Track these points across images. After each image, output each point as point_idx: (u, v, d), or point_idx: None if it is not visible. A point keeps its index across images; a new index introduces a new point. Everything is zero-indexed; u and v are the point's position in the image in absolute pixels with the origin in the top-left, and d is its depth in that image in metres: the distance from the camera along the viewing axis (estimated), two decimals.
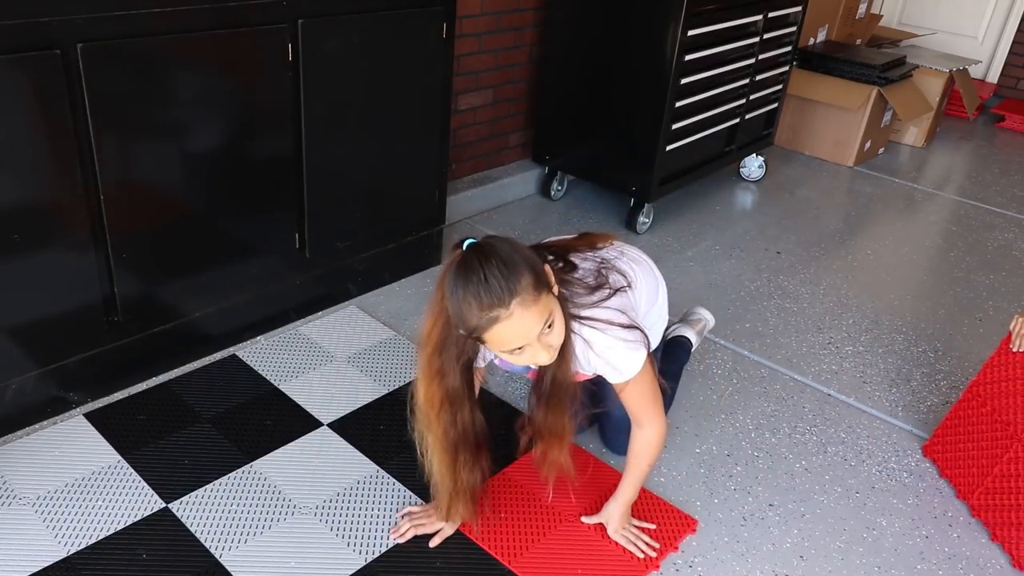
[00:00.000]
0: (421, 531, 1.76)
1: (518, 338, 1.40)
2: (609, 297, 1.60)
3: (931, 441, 2.18)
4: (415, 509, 1.81)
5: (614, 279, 1.65)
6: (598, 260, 1.69)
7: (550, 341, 1.45)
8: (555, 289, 1.47)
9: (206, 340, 2.25)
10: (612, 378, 1.63)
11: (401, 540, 1.75)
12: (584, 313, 1.56)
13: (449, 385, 1.51)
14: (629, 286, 1.68)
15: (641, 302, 1.79)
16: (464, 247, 1.39)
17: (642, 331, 1.61)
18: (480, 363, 1.71)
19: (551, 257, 1.59)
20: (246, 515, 1.78)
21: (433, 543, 1.75)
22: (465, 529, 1.79)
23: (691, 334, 2.33)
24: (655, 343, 1.94)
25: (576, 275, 1.60)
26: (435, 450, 1.60)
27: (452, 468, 1.61)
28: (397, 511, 1.83)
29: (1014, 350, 1.94)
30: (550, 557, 1.76)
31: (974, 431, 2.05)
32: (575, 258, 1.65)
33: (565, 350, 1.52)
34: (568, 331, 1.50)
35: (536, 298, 1.38)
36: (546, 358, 1.46)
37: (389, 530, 1.78)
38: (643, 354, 1.60)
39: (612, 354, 1.58)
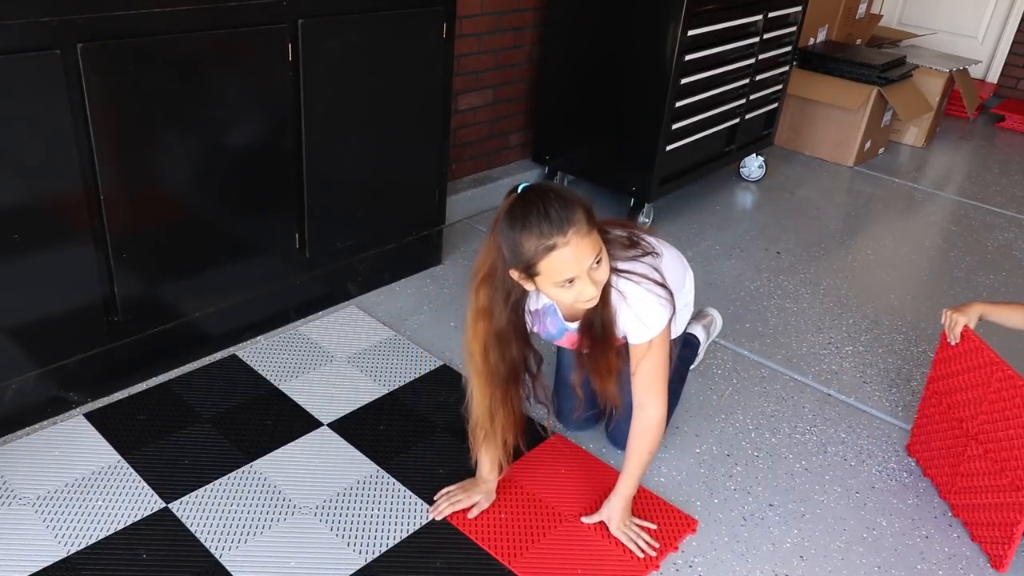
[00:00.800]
0: (458, 507, 1.82)
1: (571, 267, 1.49)
2: (642, 256, 1.69)
3: (911, 440, 2.19)
4: (451, 488, 1.86)
5: (645, 244, 1.73)
6: (629, 229, 1.77)
7: (597, 276, 1.54)
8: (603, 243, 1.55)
9: (206, 340, 2.25)
10: (637, 336, 1.67)
11: (439, 518, 1.81)
12: (621, 266, 1.64)
13: (497, 324, 1.60)
14: (658, 255, 1.75)
15: (668, 276, 1.81)
16: (519, 190, 1.51)
17: (670, 291, 1.68)
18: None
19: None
20: (246, 515, 1.78)
21: (471, 514, 1.81)
22: (465, 529, 1.80)
23: (699, 331, 2.33)
24: (678, 331, 2.01)
25: (611, 235, 1.67)
26: (479, 386, 1.68)
27: (503, 403, 1.69)
28: (402, 509, 1.83)
29: (951, 343, 1.97)
30: (550, 557, 1.76)
31: (939, 429, 2.06)
32: (607, 226, 1.71)
33: (606, 294, 1.61)
34: (608, 267, 1.59)
35: (590, 230, 1.49)
36: (592, 291, 1.54)
37: (427, 511, 1.83)
38: (669, 312, 1.67)
39: (642, 306, 1.64)
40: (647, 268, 1.67)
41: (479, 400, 1.69)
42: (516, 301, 1.62)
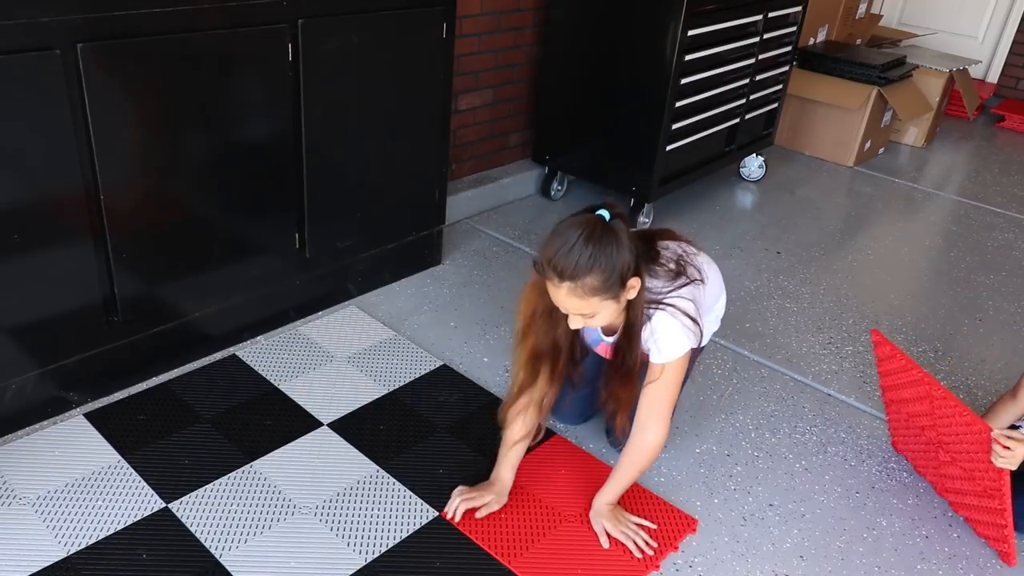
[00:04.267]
0: (471, 504, 1.82)
1: (556, 301, 1.60)
2: (685, 285, 1.72)
3: (893, 439, 2.19)
4: (465, 488, 1.86)
5: (691, 271, 1.76)
6: (680, 251, 1.80)
7: (584, 322, 1.62)
8: (624, 296, 1.60)
9: (206, 340, 2.25)
10: (654, 357, 1.72)
11: (457, 518, 1.81)
12: (663, 299, 1.69)
13: (546, 301, 1.65)
14: (702, 281, 1.78)
15: (707, 301, 1.87)
16: (595, 211, 1.56)
17: (701, 328, 1.73)
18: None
19: (644, 246, 1.69)
20: (246, 515, 1.78)
21: (479, 514, 1.82)
22: (465, 530, 1.80)
23: None
24: (704, 340, 2.02)
25: (660, 262, 1.73)
26: (521, 350, 1.75)
27: (533, 372, 1.75)
28: (402, 509, 1.83)
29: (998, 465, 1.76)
30: (550, 557, 1.76)
31: (909, 433, 2.06)
32: (660, 244, 1.78)
33: (632, 334, 1.69)
34: (640, 314, 1.66)
35: (587, 295, 1.54)
36: (576, 325, 1.64)
37: (441, 512, 1.83)
38: (691, 344, 1.70)
39: (667, 333, 1.68)
40: (685, 303, 1.69)
41: (518, 360, 1.76)
42: None
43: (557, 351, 1.75)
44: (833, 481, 2.07)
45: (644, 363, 1.75)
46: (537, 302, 1.69)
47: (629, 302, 1.64)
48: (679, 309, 1.68)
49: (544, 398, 1.80)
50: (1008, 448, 1.70)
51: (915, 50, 4.79)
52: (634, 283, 1.59)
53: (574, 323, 1.63)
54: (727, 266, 3.08)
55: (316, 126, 2.21)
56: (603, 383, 1.82)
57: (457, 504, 1.82)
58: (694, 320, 1.69)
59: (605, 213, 1.55)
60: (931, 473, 2.03)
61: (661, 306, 1.68)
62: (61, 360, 1.97)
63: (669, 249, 1.78)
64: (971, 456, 1.80)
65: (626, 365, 1.73)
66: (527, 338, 1.74)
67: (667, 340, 1.68)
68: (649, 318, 1.68)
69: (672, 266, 1.73)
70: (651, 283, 1.67)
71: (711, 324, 1.99)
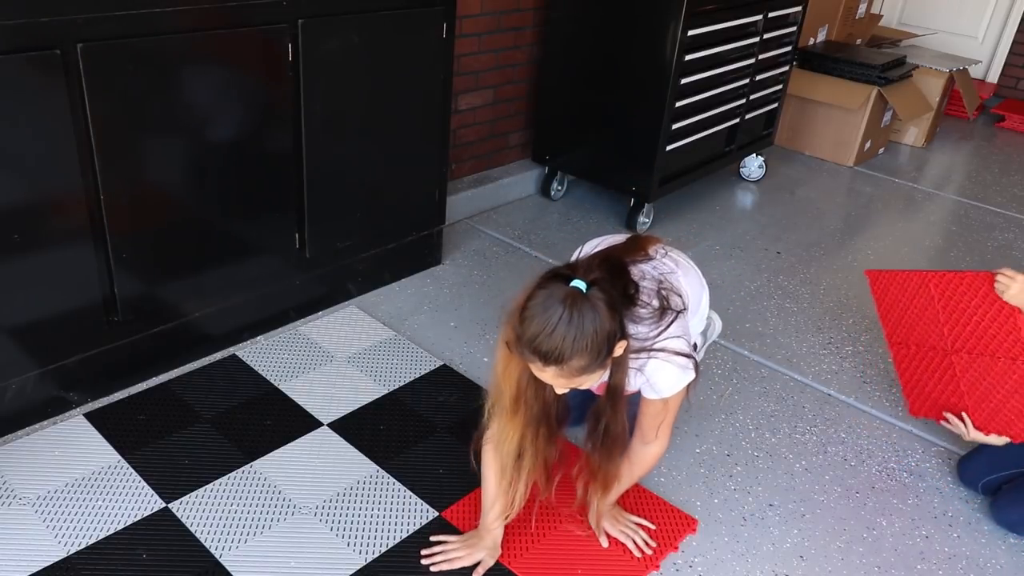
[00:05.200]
0: (456, 564, 1.69)
1: (541, 377, 1.46)
2: (671, 323, 1.59)
3: (911, 404, 2.17)
4: (450, 539, 1.75)
5: (674, 301, 1.63)
6: (658, 278, 1.65)
7: (568, 387, 1.49)
8: (609, 362, 1.46)
9: (206, 340, 2.25)
10: (648, 394, 1.63)
11: (433, 569, 1.70)
12: (650, 344, 1.56)
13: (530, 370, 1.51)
14: (685, 308, 1.66)
15: (692, 319, 1.79)
16: (568, 280, 1.40)
17: (695, 359, 1.62)
18: None
19: (620, 289, 1.53)
20: (246, 515, 1.78)
21: (476, 574, 1.69)
22: (465, 529, 1.79)
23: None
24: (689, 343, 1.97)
25: (642, 301, 1.57)
26: (510, 423, 1.58)
27: (533, 442, 1.59)
28: (402, 509, 1.83)
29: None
30: (550, 557, 1.76)
31: (923, 371, 2.06)
32: (636, 271, 1.62)
33: (616, 398, 1.55)
34: (625, 373, 1.52)
35: (575, 375, 1.41)
36: (561, 391, 1.52)
37: (420, 554, 1.73)
38: (688, 379, 1.61)
39: (663, 377, 1.59)
40: (676, 343, 1.58)
41: (509, 438, 1.59)
42: None
43: (548, 411, 1.60)
44: (833, 481, 2.07)
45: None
46: (520, 372, 1.52)
47: (614, 359, 1.48)
48: (671, 351, 1.56)
49: (548, 459, 1.65)
50: (1010, 277, 1.72)
51: (915, 50, 4.79)
52: (620, 346, 1.46)
53: (561, 390, 1.51)
54: (727, 266, 3.08)
55: (316, 126, 2.21)
56: (584, 455, 1.68)
57: (439, 561, 1.70)
58: (687, 355, 1.60)
59: (581, 284, 1.39)
60: (957, 404, 1.98)
61: (652, 353, 1.56)
62: (61, 360, 1.97)
63: (647, 279, 1.63)
64: (986, 320, 1.78)
65: (610, 434, 1.59)
66: (517, 413, 1.57)
67: (664, 383, 1.60)
68: (641, 369, 1.57)
69: (656, 303, 1.59)
70: (636, 330, 1.53)
71: (698, 324, 1.92)
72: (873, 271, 2.03)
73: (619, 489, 1.78)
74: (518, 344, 1.41)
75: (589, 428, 1.62)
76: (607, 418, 1.58)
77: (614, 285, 1.47)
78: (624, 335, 1.46)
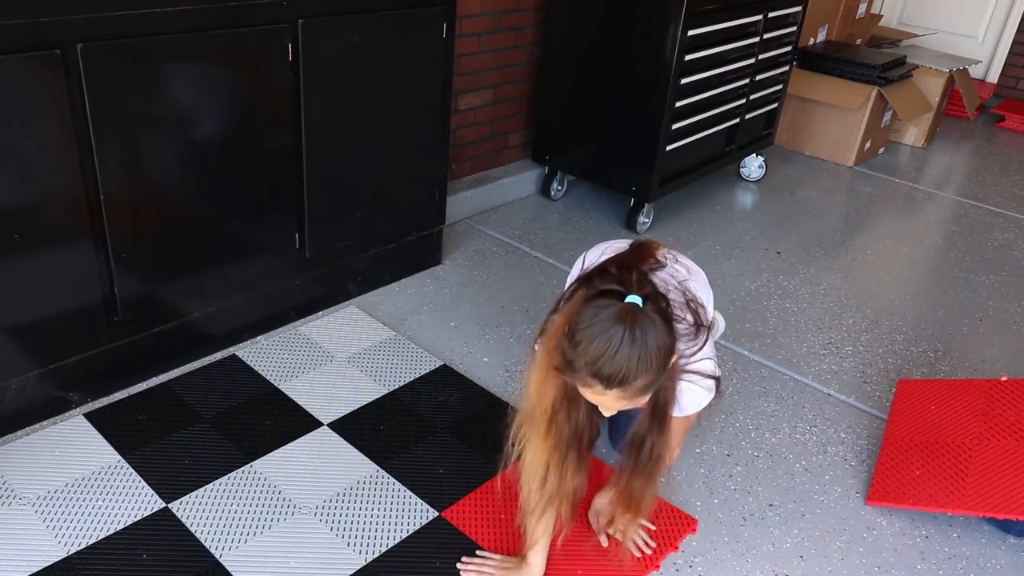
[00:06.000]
0: None
1: (594, 401, 1.40)
2: (706, 343, 1.56)
3: (872, 491, 2.02)
4: (492, 557, 1.71)
5: (702, 314, 1.58)
6: (681, 288, 1.59)
7: (618, 409, 1.43)
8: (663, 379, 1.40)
9: (206, 340, 2.25)
10: (672, 412, 1.55)
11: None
12: (684, 365, 1.52)
13: (569, 388, 1.44)
14: (713, 322, 1.65)
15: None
16: (626, 299, 1.32)
17: (719, 379, 1.65)
18: None
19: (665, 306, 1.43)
20: (246, 515, 1.78)
21: None
22: (465, 529, 1.79)
23: None
24: None
25: (676, 316, 1.47)
26: (539, 447, 1.49)
27: (559, 467, 1.50)
28: (402, 509, 1.83)
29: None
30: (550, 557, 1.75)
31: (924, 456, 2.02)
32: (659, 282, 1.52)
33: (664, 418, 1.48)
34: (674, 389, 1.46)
35: (637, 395, 1.35)
36: (609, 414, 1.45)
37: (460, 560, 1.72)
38: (710, 399, 1.65)
39: (688, 395, 1.61)
40: (708, 365, 1.58)
41: (535, 462, 1.50)
42: None
43: (580, 434, 1.50)
44: (833, 481, 2.07)
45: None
46: (555, 391, 1.44)
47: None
48: (701, 374, 1.55)
49: (576, 491, 1.55)
50: None
51: (915, 50, 4.79)
52: (674, 359, 1.39)
53: (609, 413, 1.43)
54: (727, 266, 3.08)
55: (316, 126, 2.21)
56: (616, 478, 1.62)
57: (471, 571, 1.67)
58: (713, 376, 1.60)
59: (638, 300, 1.31)
60: (957, 489, 1.91)
61: (684, 375, 1.51)
62: (61, 360, 1.97)
63: (671, 290, 1.55)
64: None
65: (654, 456, 1.50)
66: (550, 435, 1.47)
67: (690, 402, 1.63)
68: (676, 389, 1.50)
69: (690, 317, 1.52)
70: (677, 347, 1.43)
71: None
72: (906, 383, 1.94)
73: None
74: (570, 369, 1.33)
75: (630, 452, 1.53)
76: (652, 439, 1.49)
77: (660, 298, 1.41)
78: (675, 349, 1.40)
